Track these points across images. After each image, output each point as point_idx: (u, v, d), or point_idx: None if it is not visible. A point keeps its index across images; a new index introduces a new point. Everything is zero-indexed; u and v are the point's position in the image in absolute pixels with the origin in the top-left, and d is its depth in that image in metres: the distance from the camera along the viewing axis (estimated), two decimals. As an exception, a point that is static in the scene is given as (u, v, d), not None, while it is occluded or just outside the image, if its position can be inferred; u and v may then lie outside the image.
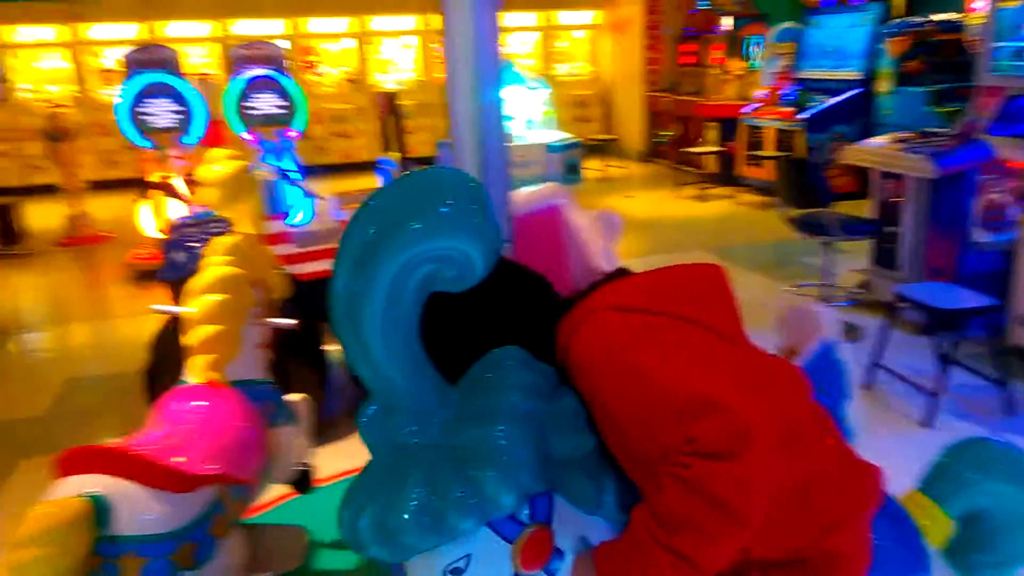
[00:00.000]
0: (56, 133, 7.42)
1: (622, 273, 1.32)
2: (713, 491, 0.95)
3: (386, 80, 11.36)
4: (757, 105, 8.69)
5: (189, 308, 2.04)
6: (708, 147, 9.31)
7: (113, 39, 10.32)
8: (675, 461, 0.97)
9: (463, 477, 1.03)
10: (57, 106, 8.26)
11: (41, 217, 8.33)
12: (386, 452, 1.11)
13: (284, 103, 6.60)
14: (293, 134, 6.61)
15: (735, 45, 9.55)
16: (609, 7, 11.90)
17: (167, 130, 6.42)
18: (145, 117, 6.43)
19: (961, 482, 1.42)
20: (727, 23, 9.92)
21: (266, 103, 6.49)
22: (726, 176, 9.05)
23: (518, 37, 11.83)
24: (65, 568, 1.44)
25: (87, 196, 7.99)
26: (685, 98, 10.30)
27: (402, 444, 1.09)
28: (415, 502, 1.02)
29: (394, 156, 3.56)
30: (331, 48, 11.33)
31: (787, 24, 8.84)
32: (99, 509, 1.49)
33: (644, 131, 11.40)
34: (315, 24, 10.98)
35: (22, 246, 7.68)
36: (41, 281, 6.89)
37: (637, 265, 1.32)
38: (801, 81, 8.43)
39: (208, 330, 2.02)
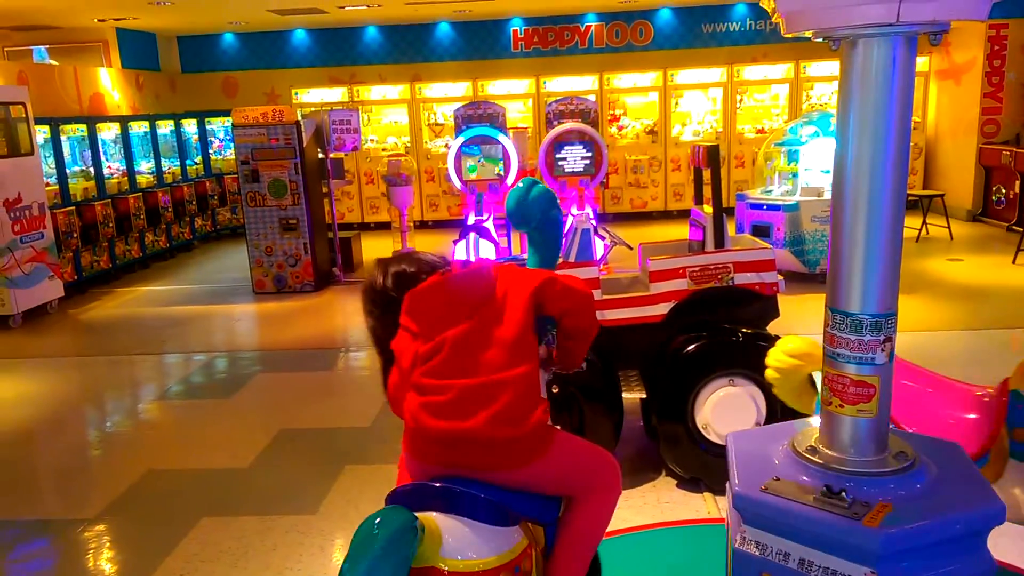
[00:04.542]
0: (393, 178, 8.45)
1: None
2: None
3: (692, 132, 11.38)
4: None
5: None
6: (1061, 208, 8.02)
7: (444, 97, 11.61)
8: None
9: None
10: (395, 155, 9.39)
11: (375, 250, 9.52)
12: None
13: (589, 155, 6.91)
14: (594, 184, 6.87)
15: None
16: (941, 52, 10.84)
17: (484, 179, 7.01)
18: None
19: None
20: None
21: (574, 155, 6.84)
22: (1083, 242, 7.71)
23: (831, 87, 11.22)
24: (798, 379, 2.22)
25: (412, 233, 8.97)
26: (1033, 151, 9.02)
27: None
28: None
29: (706, 209, 3.53)
30: (633, 101, 11.65)
31: None
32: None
33: (976, 187, 10.14)
34: (622, 79, 11.36)
35: (358, 274, 8.83)
36: (370, 307, 7.80)
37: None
38: None
39: None
